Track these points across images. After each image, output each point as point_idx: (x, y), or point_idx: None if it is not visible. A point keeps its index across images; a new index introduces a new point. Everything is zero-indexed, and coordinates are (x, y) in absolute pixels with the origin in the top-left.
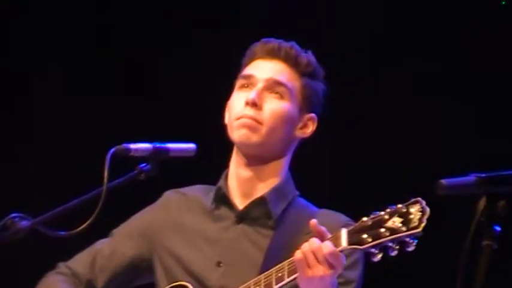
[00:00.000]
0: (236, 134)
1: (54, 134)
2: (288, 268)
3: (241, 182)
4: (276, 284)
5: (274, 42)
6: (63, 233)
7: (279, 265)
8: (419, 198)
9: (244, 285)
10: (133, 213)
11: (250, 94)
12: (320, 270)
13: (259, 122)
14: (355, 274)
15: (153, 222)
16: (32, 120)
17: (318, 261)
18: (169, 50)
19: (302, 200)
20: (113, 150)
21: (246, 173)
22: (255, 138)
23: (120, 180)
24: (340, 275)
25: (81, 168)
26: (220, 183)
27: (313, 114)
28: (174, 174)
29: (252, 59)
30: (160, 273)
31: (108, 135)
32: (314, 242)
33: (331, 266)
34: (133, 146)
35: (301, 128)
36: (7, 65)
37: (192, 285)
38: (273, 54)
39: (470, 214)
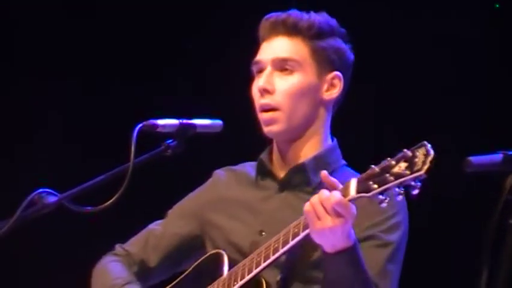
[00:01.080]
0: (263, 129)
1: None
2: (304, 223)
3: (282, 156)
4: (293, 239)
5: (271, 18)
6: (89, 208)
7: (297, 220)
8: (424, 142)
9: (265, 244)
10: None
11: (260, 82)
12: (329, 220)
13: (276, 109)
14: (394, 237)
15: (203, 200)
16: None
17: (327, 212)
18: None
19: (348, 169)
20: (140, 125)
21: (285, 149)
22: (279, 128)
23: (146, 156)
24: (378, 237)
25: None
26: (262, 155)
27: (336, 73)
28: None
29: (261, 42)
30: (209, 248)
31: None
32: (323, 192)
33: (339, 215)
34: (160, 121)
35: (327, 90)
36: None
37: (230, 253)
38: (275, 32)
39: (497, 192)
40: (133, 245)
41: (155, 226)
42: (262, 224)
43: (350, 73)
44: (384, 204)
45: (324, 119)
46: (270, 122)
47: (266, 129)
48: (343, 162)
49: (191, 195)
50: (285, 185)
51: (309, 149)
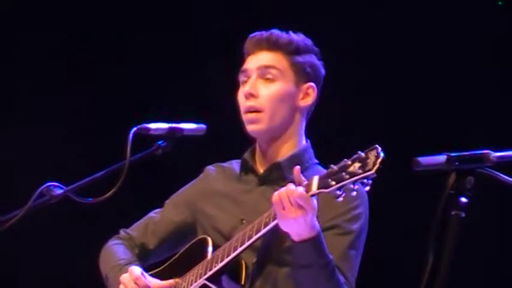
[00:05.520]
0: (247, 127)
1: None
2: (274, 213)
3: (263, 155)
4: (264, 228)
5: (257, 36)
6: (90, 200)
7: (270, 210)
8: (376, 145)
9: (243, 231)
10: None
11: (246, 87)
12: (292, 211)
13: (260, 111)
14: (355, 226)
15: (195, 192)
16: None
17: (291, 204)
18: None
19: (319, 167)
20: (134, 129)
21: (265, 149)
22: (261, 126)
23: (140, 155)
24: (341, 227)
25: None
26: (246, 155)
27: (311, 84)
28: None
29: (246, 55)
30: (199, 233)
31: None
32: (289, 186)
33: (300, 207)
34: (152, 125)
35: (303, 98)
36: None
37: (215, 238)
38: (259, 47)
39: (441, 188)
40: (135, 229)
41: (154, 214)
42: (243, 213)
43: (321, 86)
44: (340, 199)
45: (299, 123)
46: (254, 121)
47: (249, 128)
48: (315, 161)
49: (185, 187)
50: (263, 180)
51: (286, 149)
